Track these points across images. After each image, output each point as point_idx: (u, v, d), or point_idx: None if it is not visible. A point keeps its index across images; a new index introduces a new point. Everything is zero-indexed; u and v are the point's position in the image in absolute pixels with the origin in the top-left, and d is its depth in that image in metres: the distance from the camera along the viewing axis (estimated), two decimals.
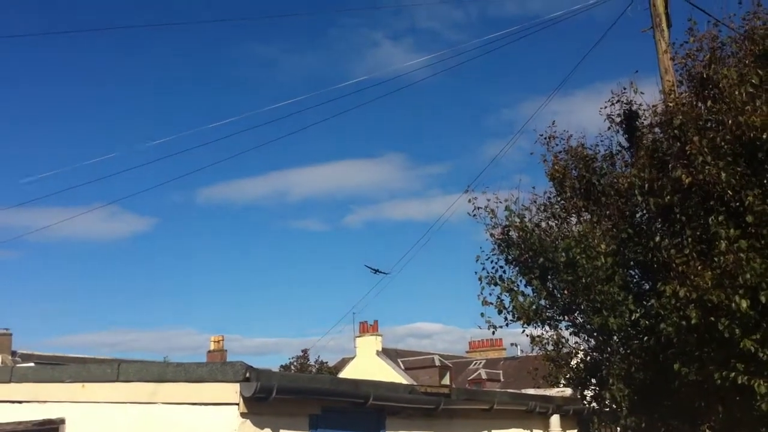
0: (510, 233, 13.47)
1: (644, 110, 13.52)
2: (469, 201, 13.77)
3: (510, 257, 13.62)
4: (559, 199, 13.85)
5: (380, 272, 15.83)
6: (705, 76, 11.47)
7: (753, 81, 10.74)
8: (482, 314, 13.23)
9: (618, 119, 13.94)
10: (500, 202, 13.62)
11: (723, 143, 10.72)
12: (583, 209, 13.62)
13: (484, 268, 13.65)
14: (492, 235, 13.73)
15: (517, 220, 13.49)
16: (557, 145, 14.15)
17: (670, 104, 11.83)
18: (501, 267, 13.78)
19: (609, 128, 13.95)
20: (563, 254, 12.48)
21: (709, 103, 11.15)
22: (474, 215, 13.85)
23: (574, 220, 13.83)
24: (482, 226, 13.81)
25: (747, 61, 11.42)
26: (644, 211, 12.48)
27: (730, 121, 10.70)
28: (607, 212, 13.15)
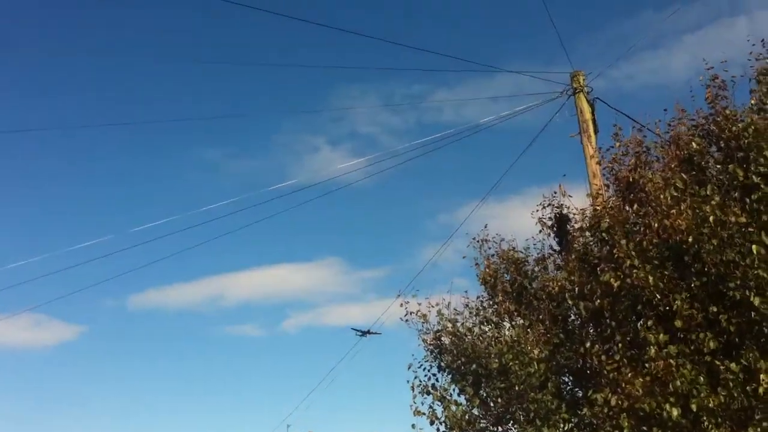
0: (442, 339, 13.15)
1: (574, 214, 13.52)
2: (401, 305, 13.51)
3: (443, 364, 13.27)
4: (491, 303, 13.60)
5: (370, 333, 15.33)
6: (631, 180, 11.52)
7: (677, 185, 10.79)
8: (413, 425, 12.71)
9: (549, 223, 13.90)
10: (432, 306, 13.38)
11: (650, 247, 10.66)
12: (515, 313, 13.36)
13: (416, 377, 13.29)
14: (424, 340, 13.43)
15: (449, 325, 13.21)
16: (490, 248, 14.04)
17: (598, 208, 11.82)
18: (434, 374, 13.42)
19: (540, 232, 13.89)
20: (496, 360, 12.15)
21: (635, 206, 11.16)
22: (406, 320, 13.57)
23: (507, 324, 13.57)
24: (415, 331, 13.53)
25: (672, 166, 11.52)
26: (575, 316, 12.26)
27: (656, 225, 10.67)
28: (540, 316, 12.91)
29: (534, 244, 14.05)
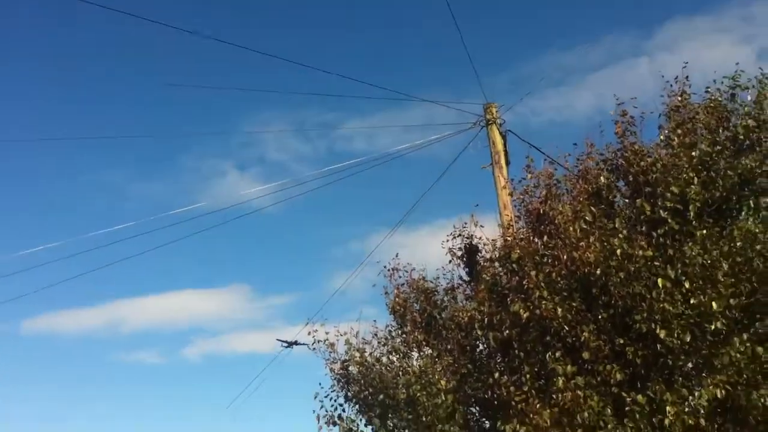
0: (349, 368, 12.86)
1: (485, 244, 13.53)
2: (309, 334, 13.19)
3: (350, 394, 12.97)
4: (400, 332, 13.43)
5: (297, 344, 14.87)
6: (541, 212, 11.59)
7: (586, 218, 10.90)
8: None
9: (459, 253, 13.87)
10: (340, 335, 13.10)
11: (558, 278, 10.71)
12: (424, 343, 13.22)
13: (322, 406, 12.95)
14: (332, 369, 13.12)
15: (357, 354, 12.94)
16: (400, 277, 13.90)
17: (508, 238, 11.85)
18: (340, 404, 13.11)
19: (450, 261, 13.84)
20: (403, 391, 11.94)
21: (545, 238, 11.21)
22: (313, 349, 13.25)
23: (415, 354, 13.41)
24: (322, 360, 13.21)
25: (581, 199, 11.66)
26: (484, 346, 12.20)
27: (565, 257, 10.74)
28: (448, 347, 12.81)
29: (444, 274, 14.00)
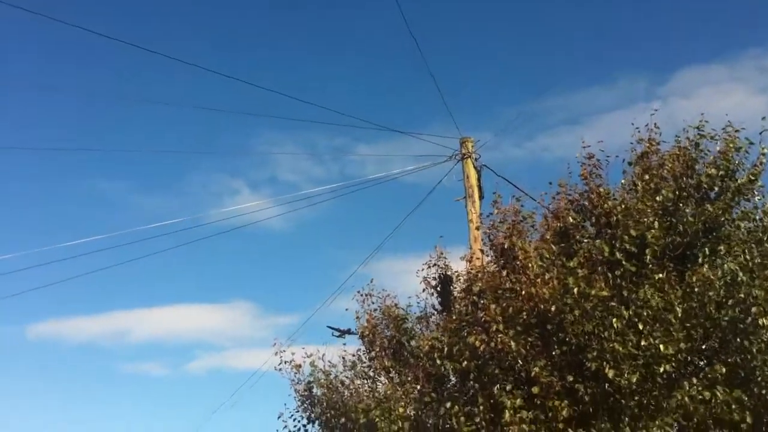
0: (314, 390, 13.08)
1: (458, 276, 13.76)
2: (276, 354, 13.43)
3: (313, 415, 13.18)
4: (368, 357, 13.64)
5: (350, 333, 14.92)
6: (505, 246, 11.79)
7: (545, 255, 11.09)
8: None
9: (433, 282, 14.11)
10: (307, 357, 13.34)
11: (517, 313, 10.88)
12: (391, 369, 13.42)
13: (285, 426, 13.19)
14: (296, 390, 13.35)
15: (323, 376, 13.15)
16: (373, 303, 14.14)
17: (471, 271, 12.06)
18: (304, 426, 13.33)
19: (424, 290, 14.08)
20: (362, 416, 12.11)
21: (505, 272, 11.40)
22: (280, 369, 13.49)
23: (383, 380, 13.62)
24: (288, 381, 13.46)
25: (547, 236, 11.87)
26: (446, 376, 12.36)
27: (524, 292, 10.91)
28: (414, 374, 12.98)
29: (417, 303, 14.25)
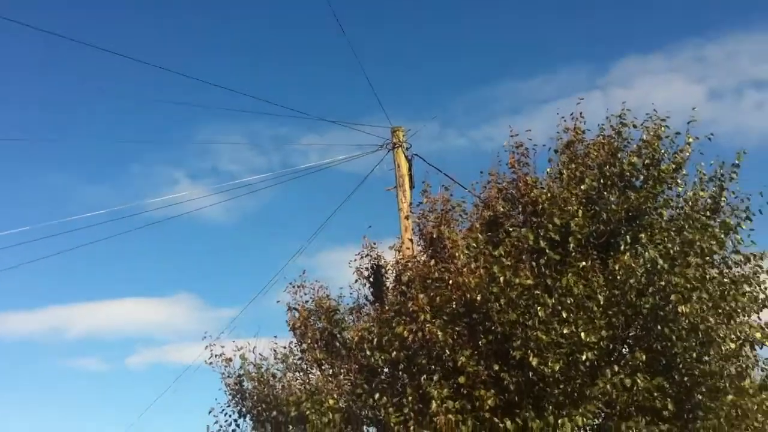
0: (244, 384, 12.93)
1: (389, 266, 13.70)
2: (207, 348, 13.23)
3: (244, 409, 13.03)
4: (299, 350, 13.53)
5: None
6: (434, 236, 11.79)
7: (471, 244, 11.11)
8: None
9: (366, 273, 14.02)
10: (238, 350, 13.17)
11: (443, 302, 10.88)
12: (323, 361, 13.32)
13: (216, 422, 13.02)
14: (227, 384, 13.18)
15: (253, 370, 13.00)
16: (305, 294, 13.99)
17: (401, 261, 12.03)
18: (235, 420, 13.17)
19: (356, 281, 13.99)
20: (293, 408, 12.02)
21: (432, 262, 11.40)
22: (210, 363, 13.29)
23: (317, 372, 13.51)
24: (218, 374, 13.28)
25: (477, 225, 11.90)
26: (378, 367, 12.32)
27: (451, 281, 10.91)
28: (347, 366, 12.91)
29: (351, 294, 14.14)
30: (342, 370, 12.92)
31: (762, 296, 11.79)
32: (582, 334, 9.89)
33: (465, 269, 10.77)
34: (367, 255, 14.06)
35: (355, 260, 14.05)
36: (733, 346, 10.74)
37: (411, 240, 12.84)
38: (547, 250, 10.68)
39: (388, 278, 13.78)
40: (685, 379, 10.55)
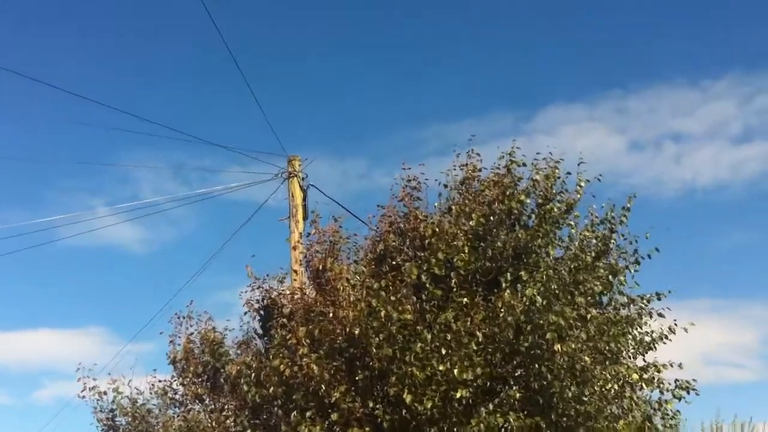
0: (117, 419, 12.31)
1: (276, 298, 13.30)
2: (78, 380, 12.60)
3: None
4: (180, 384, 12.97)
5: None
6: (320, 268, 11.50)
7: (356, 277, 10.86)
8: None
9: (256, 305, 13.60)
10: (112, 383, 12.57)
11: (323, 336, 10.56)
12: (205, 397, 12.79)
13: None
14: (99, 420, 12.55)
15: (128, 404, 12.40)
16: (192, 326, 13.47)
17: (285, 292, 11.71)
18: None
19: (246, 313, 13.53)
20: None
21: (315, 294, 11.10)
22: (83, 397, 12.66)
23: (199, 407, 12.97)
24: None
25: (365, 258, 11.67)
26: (255, 402, 11.87)
27: (331, 314, 10.62)
28: (228, 401, 12.42)
29: (240, 326, 13.67)
30: (225, 406, 12.43)
31: (648, 339, 11.82)
32: (455, 371, 9.65)
33: (344, 302, 10.48)
34: (259, 287, 13.66)
35: (246, 291, 13.65)
36: (616, 387, 10.67)
37: (296, 272, 12.52)
38: (427, 285, 10.48)
39: (278, 311, 13.39)
40: (563, 419, 10.37)
